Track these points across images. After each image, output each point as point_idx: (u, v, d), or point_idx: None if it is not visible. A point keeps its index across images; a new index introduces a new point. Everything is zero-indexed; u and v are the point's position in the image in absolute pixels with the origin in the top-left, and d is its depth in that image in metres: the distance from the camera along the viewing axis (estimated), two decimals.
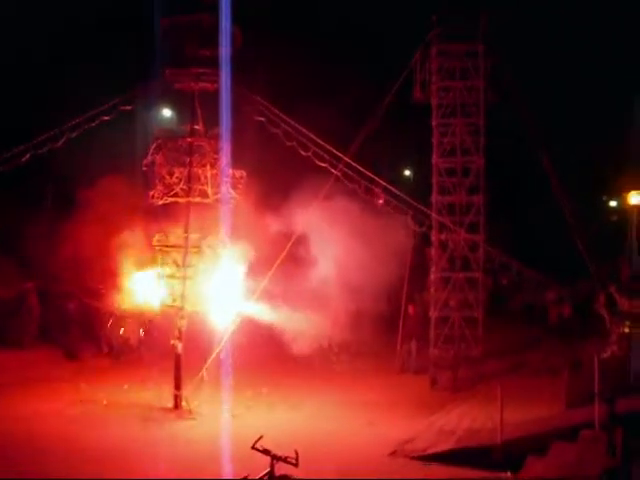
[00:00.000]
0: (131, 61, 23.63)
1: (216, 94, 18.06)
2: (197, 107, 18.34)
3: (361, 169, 19.12)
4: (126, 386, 19.69)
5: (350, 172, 19.08)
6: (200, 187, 17.99)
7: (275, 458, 9.97)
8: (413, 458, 14.57)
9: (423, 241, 22.27)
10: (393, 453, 14.93)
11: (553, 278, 23.33)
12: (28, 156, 18.89)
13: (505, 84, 21.13)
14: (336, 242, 20.29)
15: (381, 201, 19.87)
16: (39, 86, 28.10)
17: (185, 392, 17.99)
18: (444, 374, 21.27)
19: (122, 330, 24.20)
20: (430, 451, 14.75)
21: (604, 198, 40.63)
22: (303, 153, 18.72)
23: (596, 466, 12.35)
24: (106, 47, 27.83)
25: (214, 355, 18.72)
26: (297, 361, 21.00)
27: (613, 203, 40.01)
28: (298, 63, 27.71)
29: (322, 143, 18.85)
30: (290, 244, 19.10)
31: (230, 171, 17.96)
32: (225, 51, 17.55)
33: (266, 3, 25.52)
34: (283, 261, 18.78)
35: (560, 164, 21.96)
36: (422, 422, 17.03)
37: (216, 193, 17.93)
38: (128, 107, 19.04)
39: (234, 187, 18.02)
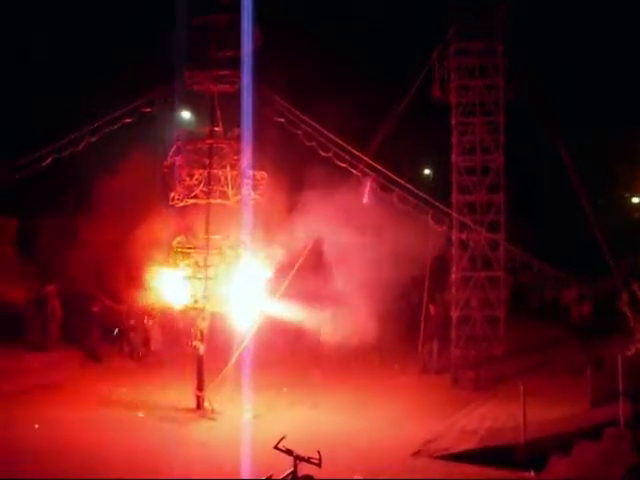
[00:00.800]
0: (151, 63, 23.70)
1: (236, 95, 18.09)
2: (217, 109, 18.36)
3: (381, 168, 19.09)
4: (148, 387, 19.77)
5: (370, 172, 19.07)
6: (220, 188, 18.02)
7: (298, 458, 9.97)
8: (436, 458, 14.52)
9: (444, 240, 22.18)
10: (416, 453, 14.88)
11: (574, 276, 23.23)
12: (50, 160, 19.00)
13: (523, 81, 21.04)
14: (356, 242, 20.33)
15: (366, 196, 19.88)
16: (59, 89, 28.27)
17: (207, 392, 18.04)
18: (466, 373, 21.21)
19: (144, 332, 24.36)
20: (453, 450, 14.70)
21: (626, 195, 40.34)
22: (323, 154, 18.73)
23: (620, 464, 12.28)
24: (125, 49, 27.97)
25: (236, 356, 18.78)
26: (318, 360, 21.11)
27: (635, 200, 39.74)
28: (316, 62, 27.73)
29: (342, 143, 18.85)
30: (311, 245, 19.16)
31: (250, 172, 17.98)
32: (246, 52, 17.56)
33: (284, 2, 25.50)
34: (305, 261, 18.83)
35: (580, 161, 21.87)
36: (445, 422, 16.99)
37: (236, 194, 17.95)
38: (148, 109, 19.12)
39: (254, 188, 18.04)
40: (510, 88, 21.64)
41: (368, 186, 19.33)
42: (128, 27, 27.93)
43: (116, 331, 24.31)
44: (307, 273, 19.58)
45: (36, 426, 16.38)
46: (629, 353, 17.52)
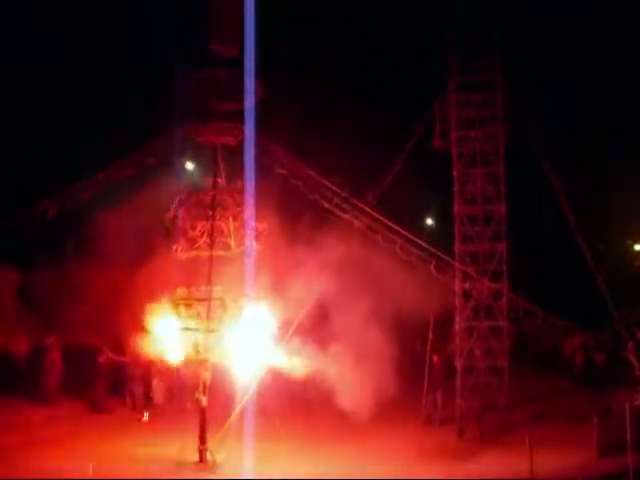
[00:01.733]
0: (153, 115, 23.90)
1: (238, 147, 18.21)
2: (219, 160, 18.47)
3: (383, 219, 19.14)
4: (151, 440, 19.59)
5: (372, 223, 19.12)
6: (223, 240, 18.04)
7: None
8: None
9: (446, 290, 22.12)
10: None
11: (578, 325, 23.14)
12: (54, 211, 19.07)
13: (523, 129, 21.20)
14: (359, 293, 20.29)
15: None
16: (62, 141, 28.46)
17: (210, 445, 17.86)
18: (471, 424, 21.01)
19: (146, 384, 24.21)
20: None
21: (628, 242, 40.33)
22: (326, 205, 18.81)
23: None
24: (128, 100, 28.21)
25: (238, 408, 18.63)
26: (322, 411, 20.91)
27: (638, 247, 39.71)
28: (317, 114, 27.93)
29: (345, 195, 18.93)
30: (314, 296, 19.15)
31: (253, 223, 18.01)
32: (248, 105, 17.70)
33: (282, 53, 25.77)
34: (308, 313, 18.79)
35: (582, 209, 21.93)
36: (451, 473, 16.79)
37: (239, 245, 17.97)
38: (151, 160, 19.24)
39: (257, 239, 18.05)
40: (509, 137, 21.78)
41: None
42: (131, 78, 28.19)
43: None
44: (310, 325, 19.52)
45: None
46: (636, 402, 17.35)
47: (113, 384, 24.21)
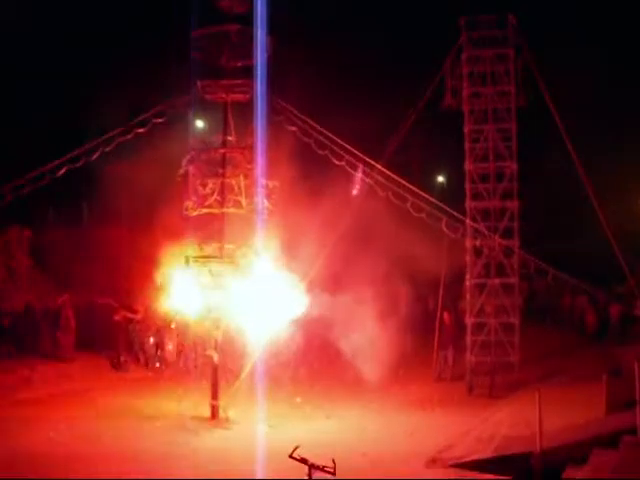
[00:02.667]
0: (163, 73, 23.82)
1: (248, 104, 18.13)
2: (229, 118, 18.40)
3: (394, 176, 19.07)
4: (163, 397, 19.79)
5: (383, 180, 19.06)
6: (234, 198, 18.04)
7: (313, 467, 9.95)
8: (451, 466, 14.45)
9: (458, 247, 22.11)
10: (431, 461, 14.82)
11: (590, 283, 23.10)
12: (64, 170, 19.09)
13: (536, 87, 21.02)
14: (370, 250, 20.32)
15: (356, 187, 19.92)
16: (72, 101, 28.44)
17: (222, 402, 18.04)
18: (481, 381, 21.14)
19: (159, 341, 24.42)
20: (468, 459, 14.61)
21: None
22: (336, 162, 18.75)
23: (638, 472, 12.18)
24: (138, 59, 28.10)
25: (250, 365, 18.79)
26: (333, 369, 21.10)
27: None
28: (328, 70, 27.79)
29: (355, 151, 18.86)
30: (325, 252, 19.22)
31: (264, 181, 17.98)
32: (258, 61, 17.59)
33: (296, 10, 25.55)
34: (320, 269, 18.86)
35: (595, 166, 21.79)
36: (460, 429, 16.92)
37: (250, 203, 17.97)
38: (161, 119, 19.19)
39: (268, 197, 18.04)
40: (522, 94, 21.60)
41: (359, 177, 19.33)
42: (140, 37, 28.08)
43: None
44: (322, 282, 19.60)
45: (51, 434, 16.42)
46: None
47: (127, 342, 24.42)
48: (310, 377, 21.67)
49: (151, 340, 24.30)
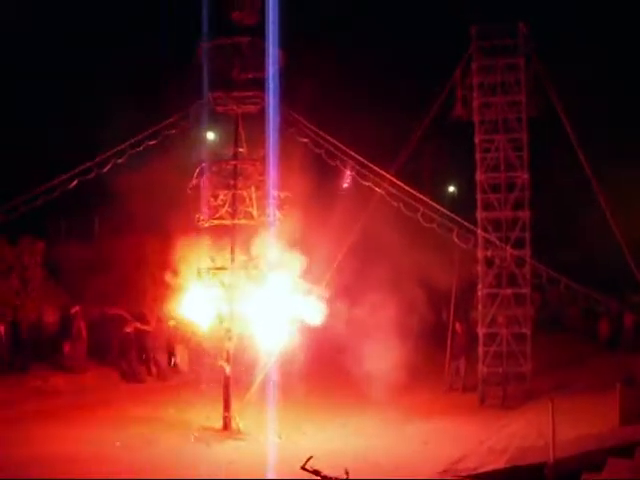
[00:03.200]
0: (174, 85, 23.94)
1: (259, 116, 18.20)
2: (241, 130, 18.47)
3: (405, 187, 19.08)
4: (172, 410, 19.82)
5: (394, 190, 19.07)
6: (245, 209, 18.09)
7: (325, 479, 9.96)
8: (464, 477, 14.40)
9: (469, 258, 22.09)
10: (444, 472, 14.78)
11: (602, 291, 23.02)
12: (76, 182, 19.18)
13: (547, 96, 21.01)
14: (383, 261, 20.31)
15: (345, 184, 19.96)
16: (84, 112, 28.61)
17: (234, 413, 18.04)
18: (494, 391, 21.09)
19: (170, 352, 24.47)
20: (481, 470, 14.56)
21: None
22: (347, 172, 18.80)
23: None
24: (149, 71, 28.26)
25: (262, 375, 18.80)
26: (345, 379, 21.05)
27: None
28: (339, 82, 27.86)
29: (365, 162, 18.89)
30: (337, 262, 19.24)
31: (275, 192, 18.03)
32: (271, 74, 17.68)
33: (306, 23, 25.66)
34: (332, 282, 18.89)
35: (607, 175, 21.75)
36: (472, 440, 16.88)
37: (261, 215, 18.01)
38: (172, 131, 19.27)
39: (279, 208, 18.08)
40: (532, 104, 21.58)
41: (348, 172, 19.39)
42: (151, 49, 28.24)
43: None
44: (334, 292, 19.59)
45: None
46: None
47: (139, 354, 24.47)
48: (320, 386, 21.60)
49: (167, 352, 24.34)
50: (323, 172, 19.30)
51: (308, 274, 18.49)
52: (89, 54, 28.94)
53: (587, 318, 29.76)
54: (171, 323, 22.94)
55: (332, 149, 18.59)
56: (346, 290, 20.40)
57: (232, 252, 18.17)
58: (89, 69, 28.86)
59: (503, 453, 15.39)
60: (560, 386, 20.74)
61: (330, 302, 18.95)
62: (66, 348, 23.35)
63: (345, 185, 20.78)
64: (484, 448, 16.20)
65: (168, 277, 19.64)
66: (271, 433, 17.19)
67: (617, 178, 28.03)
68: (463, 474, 14.54)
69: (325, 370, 21.07)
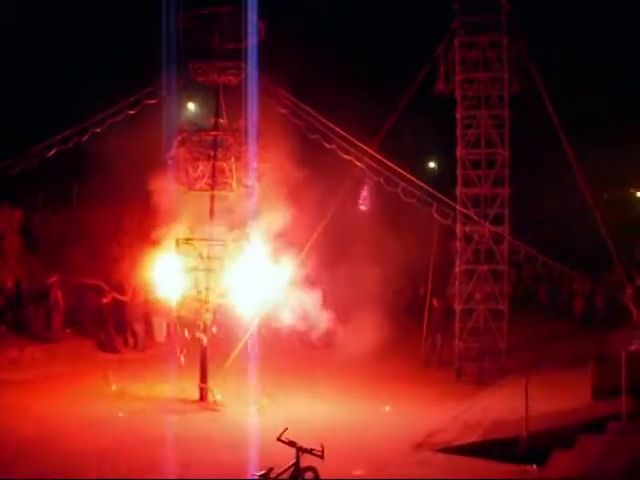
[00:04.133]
0: (155, 54, 23.70)
1: (239, 87, 18.07)
2: (221, 100, 18.33)
3: (386, 161, 19.07)
4: (152, 379, 19.79)
5: (374, 165, 19.05)
6: (224, 180, 17.99)
7: (301, 450, 10.02)
8: (438, 450, 14.53)
9: (447, 234, 22.17)
10: (418, 445, 14.90)
11: (578, 270, 23.21)
12: (54, 151, 19.01)
13: (529, 74, 21.00)
14: (361, 234, 20.31)
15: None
16: (63, 80, 28.31)
17: (210, 384, 18.06)
18: (469, 367, 21.24)
19: (147, 323, 24.41)
20: (455, 443, 14.70)
21: (631, 190, 40.34)
22: (327, 146, 18.73)
23: (623, 459, 12.26)
24: (129, 40, 27.94)
25: (239, 347, 18.81)
26: (319, 352, 21.14)
27: None
28: (320, 55, 27.67)
29: (346, 135, 18.84)
30: (315, 236, 19.22)
31: (255, 164, 17.94)
32: (250, 43, 17.55)
33: None
34: (308, 253, 18.86)
35: (585, 155, 21.83)
36: (447, 414, 17.01)
37: (240, 186, 17.92)
38: (152, 101, 19.11)
39: (258, 180, 18.00)
40: (514, 81, 21.57)
41: (365, 192, 19.44)
42: (131, 17, 27.91)
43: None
44: (312, 266, 19.60)
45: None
46: (632, 348, 17.45)
47: (116, 324, 24.38)
48: (295, 359, 21.64)
49: (144, 322, 24.27)
50: (304, 144, 19.15)
51: (286, 246, 18.47)
52: (66, 20, 28.57)
53: (557, 297, 30.01)
54: (148, 293, 22.83)
55: (312, 120, 18.50)
56: (324, 264, 20.40)
57: (210, 223, 18.07)
58: (68, 34, 28.53)
59: (477, 427, 15.53)
60: (535, 362, 20.86)
61: (307, 275, 18.97)
62: (47, 318, 23.20)
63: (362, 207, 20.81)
64: (459, 422, 16.33)
65: (146, 247, 19.55)
66: (251, 403, 17.25)
67: (598, 156, 28.22)
68: (438, 447, 14.67)
69: (301, 343, 21.07)
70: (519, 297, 27.48)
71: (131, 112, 19.14)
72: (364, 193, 20.11)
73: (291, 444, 10.03)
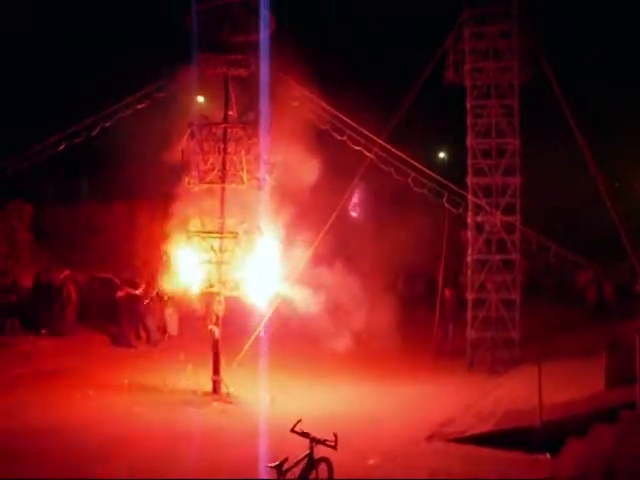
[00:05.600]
0: (164, 47, 23.72)
1: (250, 79, 18.05)
2: (231, 93, 18.31)
3: (396, 152, 19.06)
4: (165, 372, 19.85)
5: (385, 155, 19.05)
6: (235, 173, 17.98)
7: (314, 441, 10.07)
8: (451, 440, 14.53)
9: (458, 224, 22.13)
10: (431, 436, 14.90)
11: (591, 259, 23.11)
12: (64, 145, 19.07)
13: (539, 64, 20.92)
14: (373, 224, 20.29)
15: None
16: (73, 75, 28.36)
17: (223, 376, 18.11)
18: (482, 356, 21.23)
19: (160, 316, 24.46)
20: (468, 433, 14.70)
21: None
22: (338, 137, 18.73)
23: (637, 447, 12.23)
24: (139, 33, 27.98)
25: (252, 339, 18.85)
26: (333, 342, 21.12)
27: None
28: (331, 47, 27.65)
29: (356, 126, 18.83)
30: (327, 226, 19.25)
31: (266, 156, 17.92)
32: (262, 37, 17.53)
33: None
34: (321, 244, 18.89)
35: (597, 145, 21.73)
36: (460, 404, 17.03)
37: (251, 179, 17.92)
38: (162, 94, 19.13)
39: (269, 172, 17.98)
40: (524, 71, 21.50)
41: (356, 199, 19.45)
42: (142, 11, 27.94)
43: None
44: (324, 257, 19.63)
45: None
46: None
47: (128, 318, 24.44)
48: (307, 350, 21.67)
49: (157, 316, 24.33)
50: (315, 135, 19.14)
51: (298, 237, 18.51)
52: (74, 15, 28.63)
53: (569, 286, 29.96)
54: (160, 287, 22.89)
55: (323, 113, 18.50)
56: (334, 255, 20.39)
57: (221, 216, 18.09)
58: (76, 32, 28.59)
59: (490, 417, 15.51)
60: (548, 352, 20.81)
61: (318, 266, 19.01)
62: (59, 312, 23.29)
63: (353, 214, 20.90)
64: (471, 412, 16.35)
65: (158, 241, 19.59)
66: (263, 396, 17.30)
67: (609, 146, 28.09)
68: (450, 437, 14.68)
69: (313, 333, 21.11)
70: (531, 286, 27.42)
71: (141, 106, 19.16)
72: (355, 200, 20.04)
73: (304, 435, 10.08)
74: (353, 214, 22.79)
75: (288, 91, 18.51)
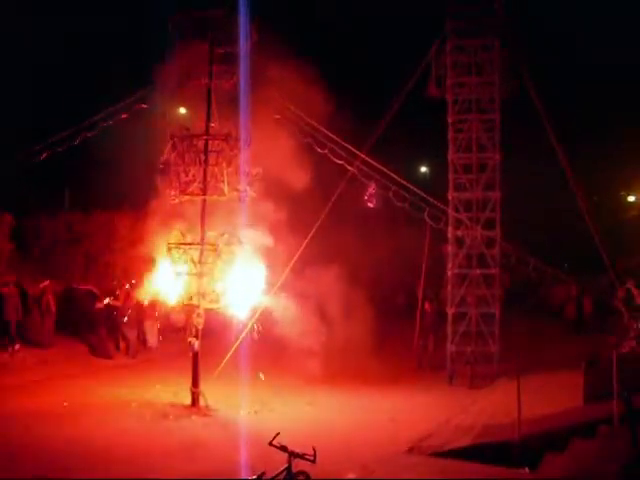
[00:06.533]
0: (146, 58, 23.71)
1: (232, 91, 18.04)
2: (213, 105, 18.29)
3: (377, 165, 19.10)
4: (144, 384, 19.74)
5: (366, 169, 19.08)
6: (216, 185, 17.94)
7: (293, 455, 10.00)
8: (431, 454, 14.52)
9: (438, 238, 22.19)
10: (410, 449, 14.88)
11: (570, 274, 23.25)
12: (45, 155, 18.99)
13: (521, 79, 21.03)
14: (352, 238, 20.28)
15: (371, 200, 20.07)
16: (55, 86, 28.27)
17: (203, 389, 18.02)
18: (462, 370, 21.25)
19: (139, 328, 24.34)
20: (448, 447, 14.70)
21: (622, 193, 40.45)
22: (319, 150, 18.75)
23: (615, 462, 12.28)
24: (121, 44, 27.95)
25: (231, 352, 18.78)
26: (312, 357, 21.07)
27: (631, 198, 39.85)
28: (311, 60, 27.66)
29: (338, 140, 18.86)
30: (307, 240, 19.22)
31: (247, 169, 17.90)
32: (242, 48, 17.53)
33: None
34: (301, 257, 18.87)
35: (578, 159, 21.86)
36: (440, 418, 17.02)
37: (232, 190, 17.88)
38: (144, 105, 19.09)
39: (250, 184, 17.96)
40: (505, 85, 21.59)
41: (372, 189, 19.44)
42: (124, 21, 27.94)
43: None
44: (304, 269, 19.61)
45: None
46: (623, 350, 17.51)
47: (108, 329, 24.30)
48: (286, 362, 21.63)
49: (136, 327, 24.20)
50: (297, 148, 19.16)
51: (278, 251, 18.48)
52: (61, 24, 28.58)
53: (548, 301, 30.14)
54: (140, 299, 22.77)
55: (305, 126, 18.52)
56: (315, 266, 20.37)
57: (202, 228, 18.04)
58: (59, 41, 28.52)
59: (470, 431, 15.54)
60: (527, 366, 20.88)
61: (298, 278, 18.99)
62: (39, 322, 23.12)
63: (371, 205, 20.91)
64: (451, 426, 16.35)
65: (138, 253, 19.50)
66: (242, 409, 17.23)
67: (589, 162, 28.28)
68: (430, 451, 14.66)
69: (291, 346, 21.06)
70: (511, 301, 27.50)
71: (123, 116, 19.12)
72: (371, 190, 20.07)
73: (283, 449, 10.01)
74: (370, 205, 22.68)
75: (270, 104, 18.48)
